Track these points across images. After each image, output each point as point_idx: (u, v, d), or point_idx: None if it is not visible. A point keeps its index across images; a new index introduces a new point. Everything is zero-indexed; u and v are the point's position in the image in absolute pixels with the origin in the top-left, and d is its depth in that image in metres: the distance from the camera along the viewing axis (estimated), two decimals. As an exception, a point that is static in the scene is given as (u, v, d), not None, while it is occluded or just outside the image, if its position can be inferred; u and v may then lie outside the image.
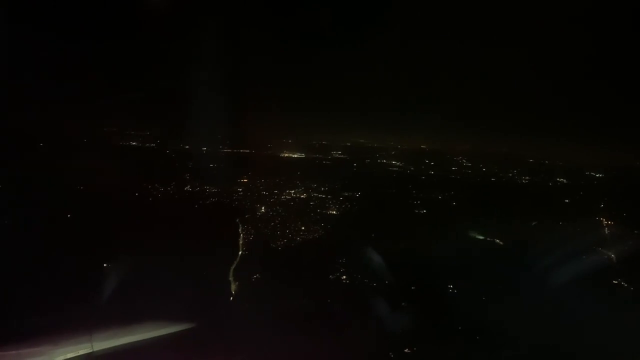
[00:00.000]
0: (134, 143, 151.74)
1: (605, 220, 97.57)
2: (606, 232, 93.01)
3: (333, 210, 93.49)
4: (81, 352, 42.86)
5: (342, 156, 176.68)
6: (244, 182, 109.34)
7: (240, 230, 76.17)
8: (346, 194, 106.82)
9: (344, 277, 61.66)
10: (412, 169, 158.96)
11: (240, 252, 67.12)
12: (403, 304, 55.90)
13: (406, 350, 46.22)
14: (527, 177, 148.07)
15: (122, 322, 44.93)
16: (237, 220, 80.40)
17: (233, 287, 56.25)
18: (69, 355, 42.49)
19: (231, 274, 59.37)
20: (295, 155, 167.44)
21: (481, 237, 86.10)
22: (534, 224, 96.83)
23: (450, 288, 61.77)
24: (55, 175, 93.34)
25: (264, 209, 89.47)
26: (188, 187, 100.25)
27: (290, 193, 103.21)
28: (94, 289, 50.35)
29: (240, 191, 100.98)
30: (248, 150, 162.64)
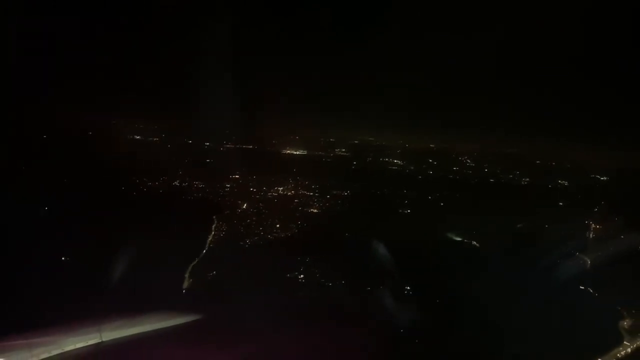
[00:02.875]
0: (137, 137, 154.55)
1: (594, 224, 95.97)
2: (590, 236, 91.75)
3: (314, 209, 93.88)
4: (90, 342, 45.62)
5: (345, 154, 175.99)
6: (235, 178, 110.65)
7: (213, 226, 77.27)
8: (334, 192, 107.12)
9: (302, 276, 62.47)
10: (411, 168, 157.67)
11: (205, 250, 68.17)
12: (351, 304, 56.40)
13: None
14: (527, 179, 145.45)
15: (126, 313, 47.23)
16: (214, 216, 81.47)
17: (186, 283, 57.57)
18: (79, 345, 45.06)
19: (189, 270, 60.55)
20: (297, 153, 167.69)
21: (458, 239, 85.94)
22: (519, 226, 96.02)
23: (407, 290, 62.41)
24: (57, 169, 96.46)
25: (246, 205, 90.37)
26: (176, 182, 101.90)
27: (278, 190, 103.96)
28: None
29: (228, 187, 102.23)
30: (250, 147, 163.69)
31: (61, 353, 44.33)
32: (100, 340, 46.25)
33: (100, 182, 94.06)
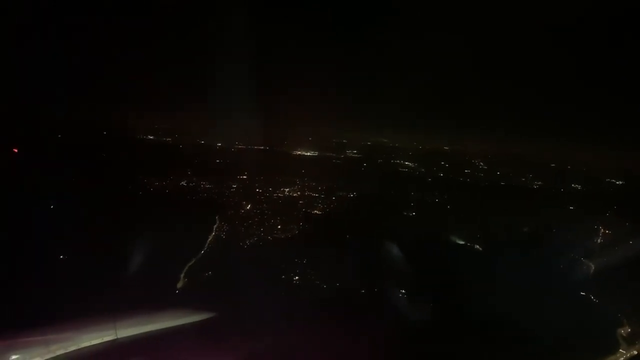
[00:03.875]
0: (151, 137, 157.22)
1: (603, 229, 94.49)
2: (598, 241, 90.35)
3: (318, 210, 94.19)
4: (106, 339, 46.47)
5: (357, 155, 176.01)
6: (242, 178, 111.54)
7: (215, 226, 78.21)
8: (340, 194, 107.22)
9: (296, 277, 62.84)
10: (422, 170, 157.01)
11: (203, 250, 69.01)
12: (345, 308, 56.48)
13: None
14: (539, 182, 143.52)
15: (142, 310, 48.38)
16: (217, 216, 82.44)
17: (181, 283, 58.44)
18: (94, 342, 45.93)
19: (185, 270, 61.41)
20: (308, 154, 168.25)
21: (461, 242, 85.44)
22: (525, 229, 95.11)
23: (402, 293, 62.36)
24: (70, 169, 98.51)
25: (250, 206, 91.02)
26: (184, 182, 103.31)
27: (284, 191, 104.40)
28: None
29: (234, 187, 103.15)
30: (262, 147, 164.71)
31: (77, 349, 45.13)
32: (115, 337, 47.15)
33: (110, 182, 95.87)
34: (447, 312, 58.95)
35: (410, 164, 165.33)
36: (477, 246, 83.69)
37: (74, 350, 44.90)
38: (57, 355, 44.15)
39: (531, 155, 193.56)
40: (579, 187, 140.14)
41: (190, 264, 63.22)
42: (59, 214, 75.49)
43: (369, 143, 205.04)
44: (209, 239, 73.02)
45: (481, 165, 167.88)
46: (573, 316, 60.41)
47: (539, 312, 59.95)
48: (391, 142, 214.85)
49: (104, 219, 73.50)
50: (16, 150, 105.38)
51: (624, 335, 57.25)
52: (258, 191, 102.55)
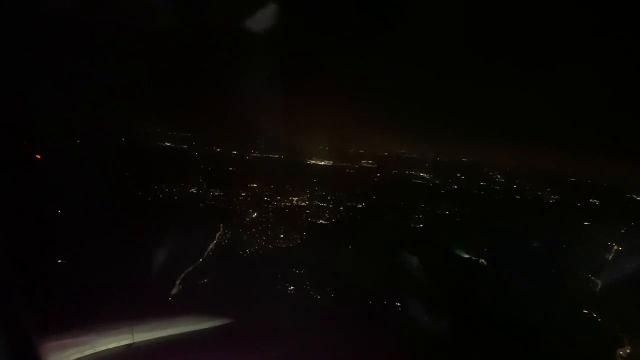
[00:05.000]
0: (168, 144, 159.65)
1: (617, 246, 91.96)
2: (610, 258, 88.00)
3: (323, 220, 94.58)
4: (122, 343, 47.01)
5: (371, 165, 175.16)
6: (252, 186, 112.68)
7: (218, 234, 79.38)
8: (348, 204, 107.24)
9: (292, 287, 63.25)
10: (436, 182, 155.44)
11: (202, 257, 70.06)
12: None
13: None
14: (556, 196, 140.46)
15: (159, 315, 49.62)
16: (221, 224, 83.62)
17: (175, 290, 59.34)
18: (111, 346, 46.35)
19: (180, 277, 62.32)
20: (322, 163, 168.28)
21: (466, 256, 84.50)
22: (535, 245, 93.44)
23: (398, 305, 62.18)
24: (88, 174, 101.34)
25: (256, 214, 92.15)
26: (193, 190, 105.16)
27: (292, 200, 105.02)
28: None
29: (243, 196, 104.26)
30: (277, 156, 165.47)
31: (93, 353, 45.52)
32: (132, 341, 47.43)
33: (123, 187, 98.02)
34: (447, 325, 58.27)
35: (425, 175, 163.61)
36: (483, 260, 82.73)
37: (90, 354, 45.27)
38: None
39: (552, 169, 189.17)
40: (597, 202, 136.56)
41: (187, 271, 64.15)
42: (72, 216, 77.88)
43: (385, 153, 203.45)
44: (210, 247, 74.10)
45: (498, 177, 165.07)
46: (571, 334, 59.19)
47: (536, 330, 59.04)
48: (409, 153, 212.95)
49: (116, 223, 74.32)
50: (39, 157, 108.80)
51: (623, 355, 55.80)
52: (266, 199, 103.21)
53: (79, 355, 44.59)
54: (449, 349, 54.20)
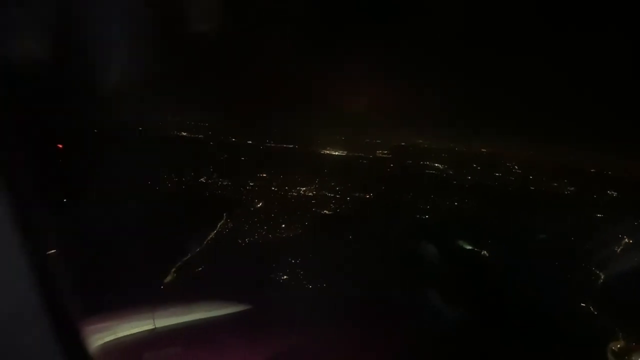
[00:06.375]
0: (184, 134, 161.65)
1: (627, 239, 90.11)
2: (618, 251, 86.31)
3: (328, 210, 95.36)
4: (144, 328, 46.31)
5: (385, 156, 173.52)
6: (262, 176, 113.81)
7: (219, 223, 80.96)
8: (356, 195, 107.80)
9: (285, 276, 64.40)
10: (450, 172, 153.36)
11: (199, 247, 71.48)
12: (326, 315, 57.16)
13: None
14: (572, 188, 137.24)
15: (180, 300, 50.09)
16: (225, 213, 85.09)
17: (168, 278, 60.76)
18: (132, 331, 45.49)
19: (175, 267, 63.83)
20: (336, 153, 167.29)
21: (468, 247, 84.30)
22: (541, 237, 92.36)
23: (406, 297, 62.81)
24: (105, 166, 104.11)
25: (261, 204, 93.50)
26: (203, 179, 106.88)
27: (300, 190, 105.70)
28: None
29: (251, 185, 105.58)
30: (291, 146, 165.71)
31: (115, 339, 44.90)
32: (153, 327, 47.23)
33: (139, 177, 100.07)
34: (453, 318, 58.77)
35: (439, 165, 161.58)
36: (485, 252, 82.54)
37: (111, 340, 44.44)
38: (95, 345, 46.13)
39: (573, 161, 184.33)
40: (615, 194, 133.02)
41: (185, 259, 65.68)
42: (89, 205, 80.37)
43: (402, 144, 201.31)
44: (210, 236, 75.75)
45: (515, 168, 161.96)
46: (565, 328, 59.01)
47: (531, 322, 59.06)
48: (426, 143, 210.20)
49: (136, 212, 74.83)
50: (61, 147, 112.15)
51: (615, 350, 55.33)
52: (273, 189, 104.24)
53: (100, 342, 43.22)
54: (452, 340, 54.59)
